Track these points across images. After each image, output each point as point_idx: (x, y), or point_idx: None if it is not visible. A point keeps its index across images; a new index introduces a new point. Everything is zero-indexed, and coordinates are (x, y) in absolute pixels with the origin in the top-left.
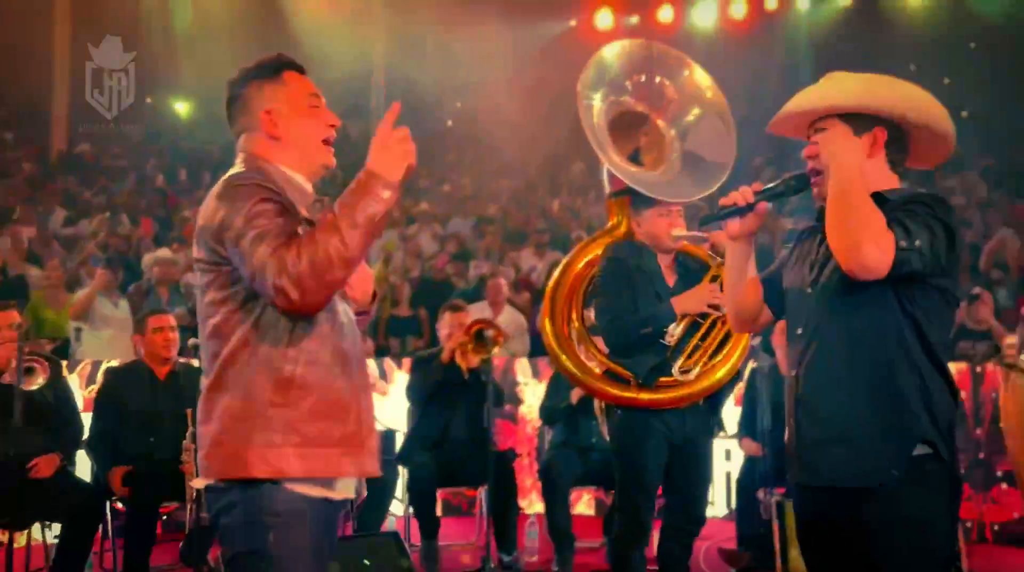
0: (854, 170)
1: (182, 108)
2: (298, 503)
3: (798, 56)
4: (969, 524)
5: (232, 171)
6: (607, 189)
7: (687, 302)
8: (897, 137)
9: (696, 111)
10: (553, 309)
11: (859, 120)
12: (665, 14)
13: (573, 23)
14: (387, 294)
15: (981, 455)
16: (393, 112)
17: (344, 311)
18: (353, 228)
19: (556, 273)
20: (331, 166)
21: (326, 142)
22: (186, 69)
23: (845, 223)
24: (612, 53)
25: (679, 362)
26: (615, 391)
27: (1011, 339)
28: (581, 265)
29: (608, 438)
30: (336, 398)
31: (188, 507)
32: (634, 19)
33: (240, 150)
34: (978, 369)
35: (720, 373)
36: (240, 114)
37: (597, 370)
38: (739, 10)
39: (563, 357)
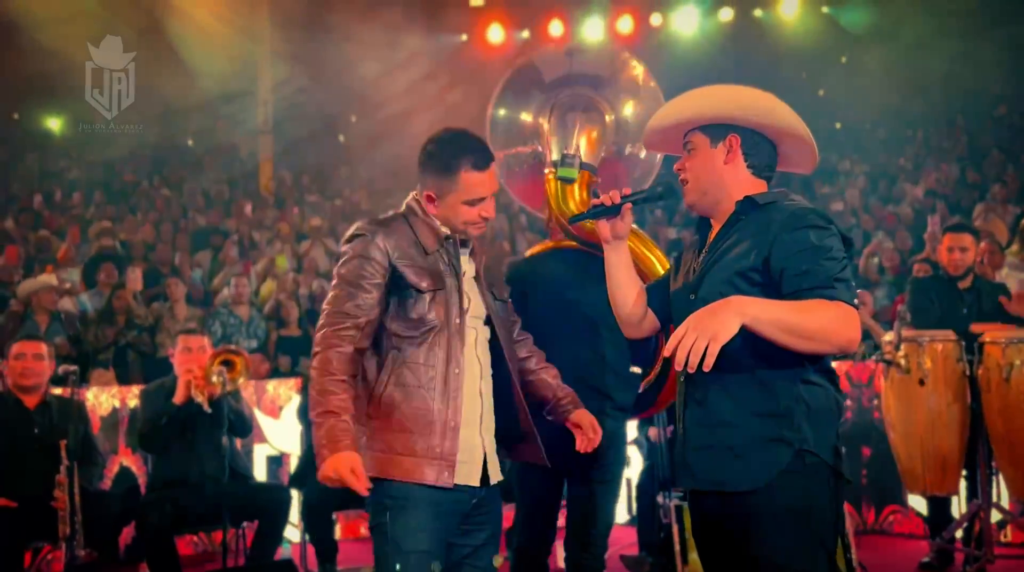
0: (753, 310)
1: (54, 125)
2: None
3: (681, 69)
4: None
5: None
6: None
7: None
8: (756, 143)
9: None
10: None
11: (715, 130)
12: (555, 29)
13: (465, 38)
14: (274, 313)
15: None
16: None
17: (471, 343)
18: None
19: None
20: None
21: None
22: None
23: (809, 340)
24: None
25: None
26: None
27: (889, 337)
28: None
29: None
30: (419, 415)
31: (62, 547)
32: (525, 34)
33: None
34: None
35: None
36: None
37: None
38: (626, 25)
39: None
